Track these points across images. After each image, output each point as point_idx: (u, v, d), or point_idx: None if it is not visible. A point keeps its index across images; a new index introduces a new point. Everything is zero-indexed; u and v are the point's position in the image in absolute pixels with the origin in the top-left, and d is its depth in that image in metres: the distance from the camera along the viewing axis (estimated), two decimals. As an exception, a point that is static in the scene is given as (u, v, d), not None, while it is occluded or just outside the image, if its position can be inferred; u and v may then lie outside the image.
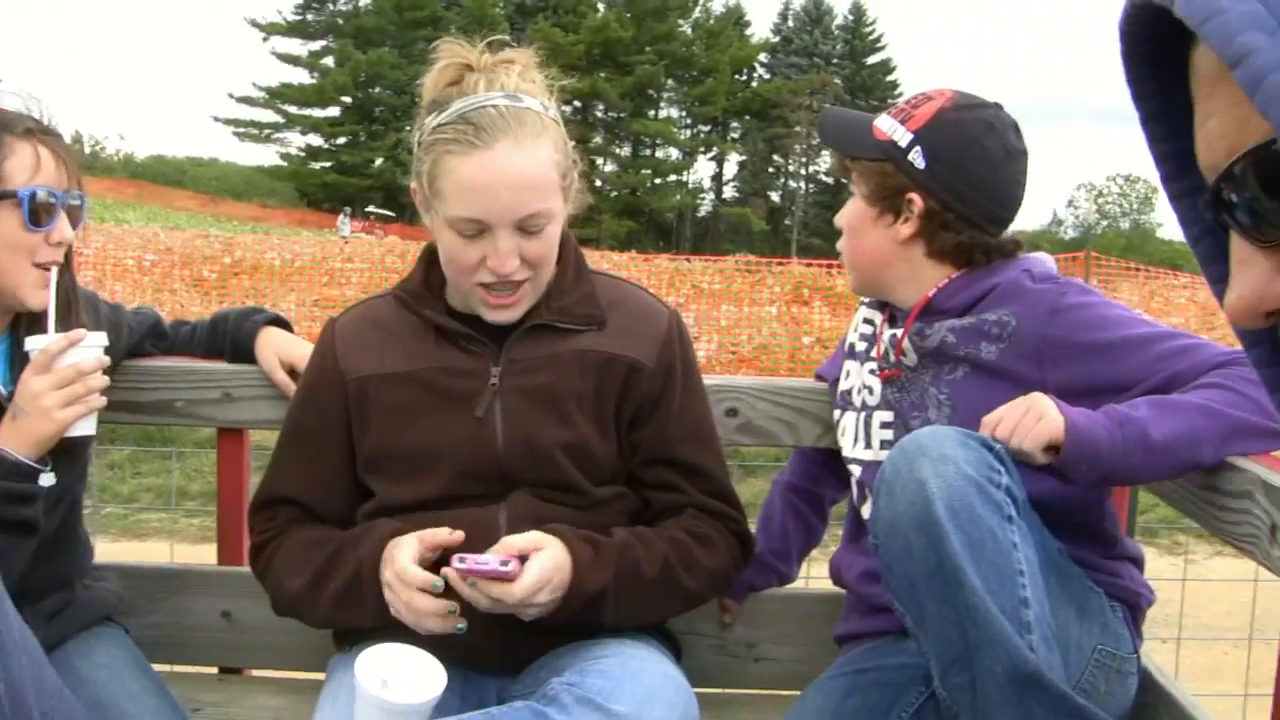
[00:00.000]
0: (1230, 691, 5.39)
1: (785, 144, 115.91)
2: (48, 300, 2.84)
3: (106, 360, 2.87)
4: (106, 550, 3.81)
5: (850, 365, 3.26)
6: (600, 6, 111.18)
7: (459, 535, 2.67)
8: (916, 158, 2.97)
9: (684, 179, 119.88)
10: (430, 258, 2.95)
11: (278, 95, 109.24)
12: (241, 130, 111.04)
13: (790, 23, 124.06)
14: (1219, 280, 1.11)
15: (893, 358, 3.08)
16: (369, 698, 2.42)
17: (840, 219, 3.16)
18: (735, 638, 3.49)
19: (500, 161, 2.65)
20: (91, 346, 2.82)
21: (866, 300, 3.27)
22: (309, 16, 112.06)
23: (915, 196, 2.99)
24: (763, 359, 18.81)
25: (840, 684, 2.97)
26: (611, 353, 2.87)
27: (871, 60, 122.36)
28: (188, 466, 10.44)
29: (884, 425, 3.10)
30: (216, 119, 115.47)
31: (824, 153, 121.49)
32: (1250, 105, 0.92)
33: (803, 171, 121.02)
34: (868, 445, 3.13)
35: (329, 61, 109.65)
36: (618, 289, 3.03)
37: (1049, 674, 2.42)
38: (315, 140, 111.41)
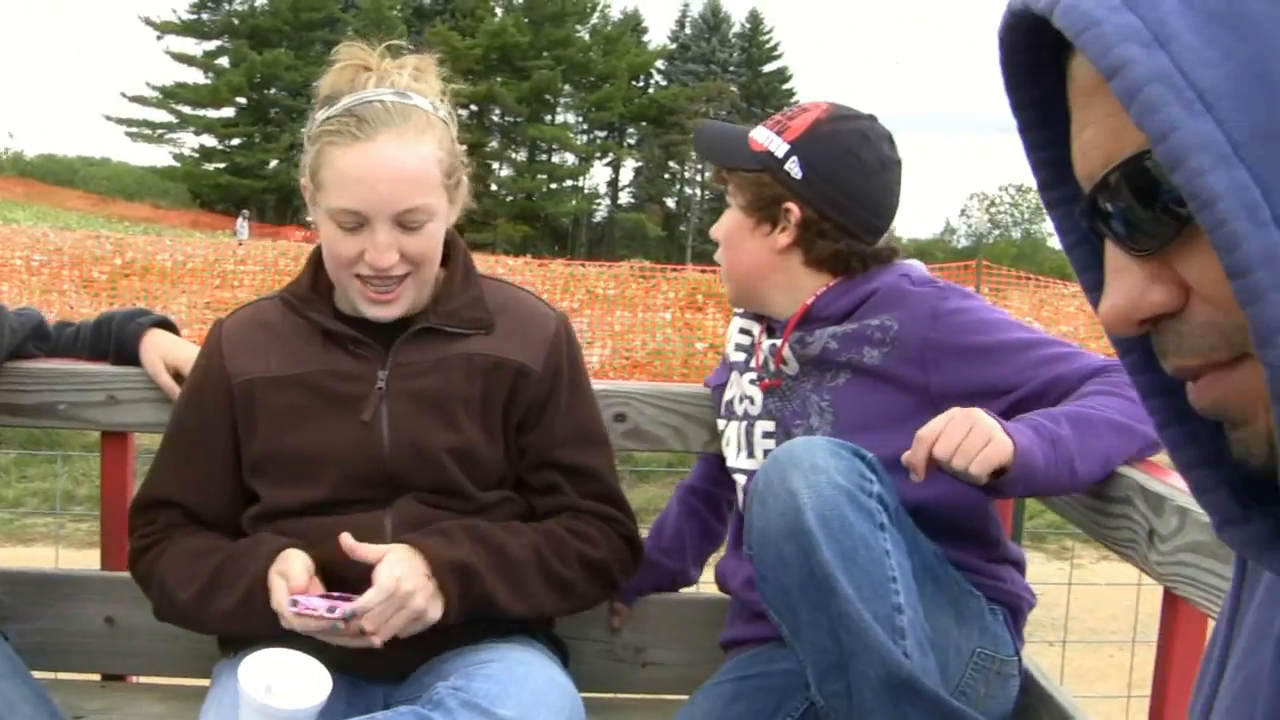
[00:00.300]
0: (1114, 693, 5.47)
1: (681, 150, 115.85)
2: None
3: None
4: None
5: (732, 375, 3.27)
6: (498, 11, 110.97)
7: (302, 581, 2.64)
8: (793, 167, 2.98)
9: (580, 184, 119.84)
10: (319, 260, 2.93)
11: (171, 95, 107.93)
12: (134, 130, 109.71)
13: (688, 30, 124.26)
14: (1094, 288, 1.13)
15: (773, 367, 3.09)
16: (253, 703, 2.41)
17: (717, 231, 3.16)
18: (623, 642, 3.49)
19: (381, 153, 2.67)
20: None
21: (741, 311, 3.29)
22: (204, 16, 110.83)
23: (793, 206, 3.00)
24: (656, 364, 18.85)
25: (725, 690, 2.98)
26: (499, 356, 2.88)
27: (768, 68, 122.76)
28: (75, 470, 10.30)
29: (766, 435, 3.11)
30: (109, 118, 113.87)
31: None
32: (1125, 116, 0.94)
33: (698, 178, 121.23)
34: (750, 454, 3.15)
35: (224, 62, 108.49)
36: (506, 293, 3.03)
37: (923, 679, 2.47)
38: (209, 141, 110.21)
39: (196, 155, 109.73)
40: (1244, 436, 1.05)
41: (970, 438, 2.55)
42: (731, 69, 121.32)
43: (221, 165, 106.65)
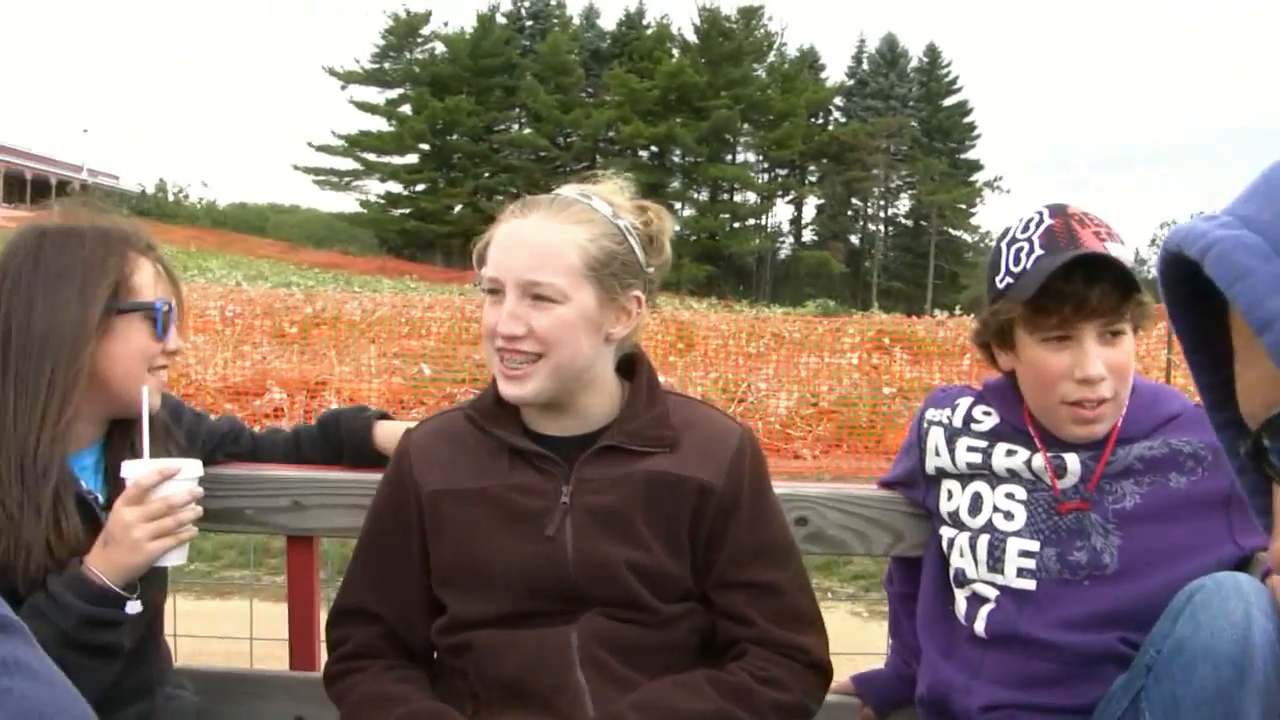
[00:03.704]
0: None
1: (863, 187, 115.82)
2: (156, 404, 2.96)
3: (200, 492, 2.91)
4: (188, 609, 3.81)
5: (958, 485, 3.17)
6: (675, 52, 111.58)
7: None
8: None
9: (762, 222, 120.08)
10: None
11: (356, 143, 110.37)
12: (321, 178, 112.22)
13: (865, 66, 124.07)
14: (1262, 513, 1.09)
15: (1084, 490, 2.99)
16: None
17: (1113, 366, 2.92)
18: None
19: (524, 226, 2.77)
20: (185, 479, 2.87)
21: (975, 426, 3.18)
22: (386, 65, 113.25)
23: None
24: (844, 412, 18.71)
25: None
26: (680, 475, 2.84)
27: (948, 102, 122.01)
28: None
29: (1025, 554, 3.00)
30: (296, 167, 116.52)
31: (902, 195, 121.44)
32: None
33: (881, 214, 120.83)
34: (996, 569, 3.03)
35: (406, 109, 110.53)
36: (690, 409, 3.00)
37: None
38: (394, 187, 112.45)
39: (382, 201, 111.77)
40: None
41: None
42: (911, 104, 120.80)
43: (407, 210, 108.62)
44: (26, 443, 2.75)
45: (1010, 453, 3.07)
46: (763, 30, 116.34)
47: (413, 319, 25.58)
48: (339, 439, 3.50)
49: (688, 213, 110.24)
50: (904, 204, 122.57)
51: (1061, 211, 2.95)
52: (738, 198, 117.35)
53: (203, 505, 2.96)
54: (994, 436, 3.11)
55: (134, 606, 2.78)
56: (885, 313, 38.92)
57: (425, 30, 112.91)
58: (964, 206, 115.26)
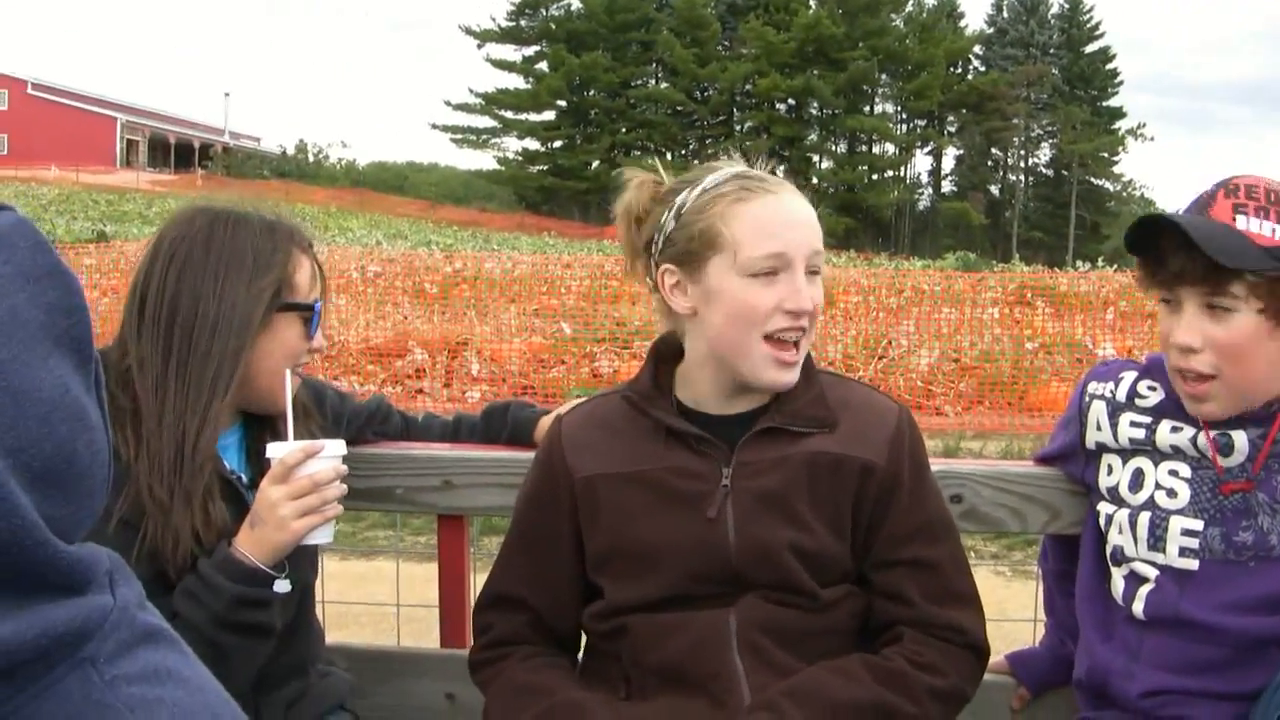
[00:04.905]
0: None
1: (1003, 137, 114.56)
2: (295, 385, 2.97)
3: (344, 470, 2.90)
4: (334, 570, 3.82)
5: (1137, 462, 3.06)
6: (812, 3, 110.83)
7: None
8: None
9: (901, 174, 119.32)
10: (659, 355, 2.94)
11: (493, 101, 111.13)
12: (459, 137, 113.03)
13: (1005, 13, 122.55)
14: None
15: (1249, 470, 2.88)
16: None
17: (1214, 342, 2.77)
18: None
19: (789, 202, 2.76)
20: (329, 457, 2.87)
21: (1140, 402, 3.07)
22: (522, 22, 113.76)
23: None
24: (986, 368, 18.51)
25: None
26: (842, 455, 2.80)
27: (1089, 49, 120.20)
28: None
29: (1188, 532, 2.90)
30: (434, 126, 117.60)
31: (1043, 145, 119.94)
32: None
33: (1021, 164, 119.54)
34: (1157, 548, 2.95)
35: (543, 66, 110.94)
36: (845, 388, 2.96)
37: None
38: (531, 144, 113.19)
39: (520, 158, 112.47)
40: None
41: None
42: (1051, 51, 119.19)
43: (544, 167, 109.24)
44: (185, 433, 2.78)
45: (1175, 429, 2.96)
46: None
47: (551, 277, 25.56)
48: (500, 428, 3.54)
49: (825, 165, 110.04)
50: (1045, 153, 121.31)
51: (1225, 182, 2.81)
52: (876, 149, 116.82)
53: (353, 484, 2.98)
54: (1158, 412, 3.01)
55: (283, 585, 2.80)
56: (1025, 263, 38.55)
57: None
58: (1106, 155, 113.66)
